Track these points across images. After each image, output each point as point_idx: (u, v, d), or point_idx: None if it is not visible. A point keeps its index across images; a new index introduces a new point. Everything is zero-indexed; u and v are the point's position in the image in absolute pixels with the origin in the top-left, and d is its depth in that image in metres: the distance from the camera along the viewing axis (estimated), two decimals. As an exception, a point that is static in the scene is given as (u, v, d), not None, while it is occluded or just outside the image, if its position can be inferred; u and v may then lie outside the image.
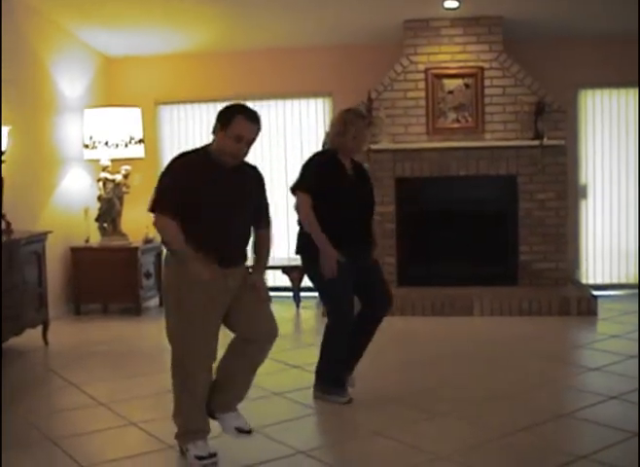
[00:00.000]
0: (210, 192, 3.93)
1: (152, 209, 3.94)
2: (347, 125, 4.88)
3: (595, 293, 7.67)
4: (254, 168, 4.16)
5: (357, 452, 4.15)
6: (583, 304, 7.34)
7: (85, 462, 3.95)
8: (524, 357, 5.93)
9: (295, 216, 4.96)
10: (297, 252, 4.98)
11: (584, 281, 8.40)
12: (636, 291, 8.16)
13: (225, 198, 3.95)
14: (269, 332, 4.12)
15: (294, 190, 4.88)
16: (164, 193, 3.92)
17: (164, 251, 4.13)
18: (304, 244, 4.87)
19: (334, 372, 4.94)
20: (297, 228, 4.97)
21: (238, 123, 3.90)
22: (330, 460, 3.96)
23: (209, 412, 4.12)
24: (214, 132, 4.00)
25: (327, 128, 5.14)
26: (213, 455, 3.96)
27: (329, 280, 4.76)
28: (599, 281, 8.49)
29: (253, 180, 4.14)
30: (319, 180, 4.81)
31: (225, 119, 3.93)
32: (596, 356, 5.95)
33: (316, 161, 4.91)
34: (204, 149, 4.05)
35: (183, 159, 4.00)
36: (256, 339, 4.07)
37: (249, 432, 4.15)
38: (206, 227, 3.92)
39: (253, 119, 3.94)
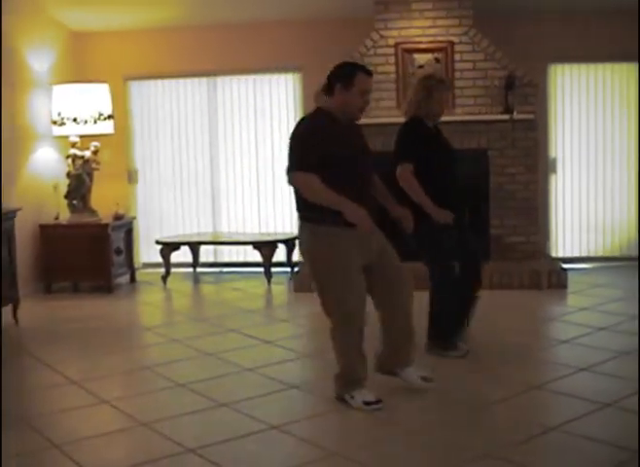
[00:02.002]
0: (341, 146, 4.20)
1: (292, 168, 4.15)
2: (432, 92, 5.11)
3: (565, 266, 7.73)
4: (358, 125, 4.46)
5: (330, 426, 4.18)
6: (553, 277, 7.39)
7: (57, 440, 3.94)
8: (495, 330, 5.96)
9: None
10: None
11: (553, 254, 8.46)
12: (605, 264, 8.34)
13: (352, 151, 4.26)
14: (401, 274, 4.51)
15: (398, 162, 5.04)
16: (302, 153, 4.14)
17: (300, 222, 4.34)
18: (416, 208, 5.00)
19: (448, 328, 5.25)
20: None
21: (361, 79, 4.27)
22: (304, 435, 3.96)
23: (388, 371, 4.54)
24: (329, 92, 4.29)
25: (409, 97, 5.29)
26: (379, 401, 4.28)
27: (442, 234, 5.08)
28: (568, 254, 8.55)
29: (362, 133, 4.49)
30: (421, 147, 5.05)
31: (346, 78, 4.26)
32: (567, 329, 6.00)
33: (412, 131, 5.11)
34: (321, 111, 4.31)
35: (307, 123, 4.26)
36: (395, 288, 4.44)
37: (432, 380, 4.55)
38: (345, 182, 4.14)
39: (369, 72, 4.33)
